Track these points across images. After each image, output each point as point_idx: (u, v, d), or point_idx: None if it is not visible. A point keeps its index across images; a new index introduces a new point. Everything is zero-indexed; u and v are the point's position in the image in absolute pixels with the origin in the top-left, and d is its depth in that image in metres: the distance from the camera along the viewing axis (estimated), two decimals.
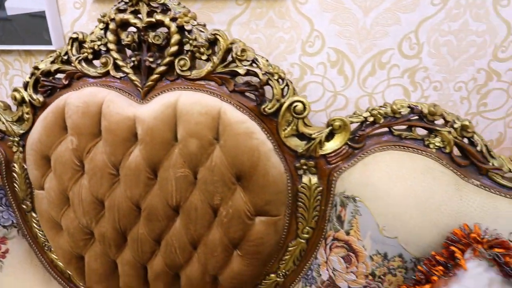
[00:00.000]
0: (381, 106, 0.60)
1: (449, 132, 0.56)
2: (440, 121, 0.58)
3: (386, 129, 0.60)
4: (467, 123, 0.55)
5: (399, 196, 0.53)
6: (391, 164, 0.56)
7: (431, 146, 0.57)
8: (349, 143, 0.61)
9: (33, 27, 0.81)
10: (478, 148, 0.55)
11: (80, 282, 0.77)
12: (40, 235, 0.79)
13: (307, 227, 0.66)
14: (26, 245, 0.79)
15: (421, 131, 0.59)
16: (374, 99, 0.76)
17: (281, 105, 0.61)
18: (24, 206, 0.78)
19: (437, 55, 0.70)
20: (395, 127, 0.60)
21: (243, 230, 0.63)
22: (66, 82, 0.68)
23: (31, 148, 0.68)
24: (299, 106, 0.60)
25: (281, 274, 0.70)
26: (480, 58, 0.70)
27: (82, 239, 0.70)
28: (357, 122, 0.61)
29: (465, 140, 0.57)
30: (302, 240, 0.67)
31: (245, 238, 0.64)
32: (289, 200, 0.64)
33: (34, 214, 0.78)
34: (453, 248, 0.45)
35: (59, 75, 0.70)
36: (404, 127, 0.60)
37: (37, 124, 0.67)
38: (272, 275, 0.71)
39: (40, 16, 0.79)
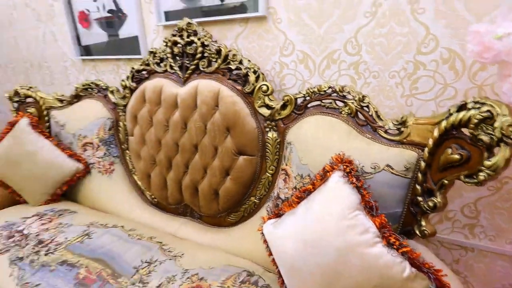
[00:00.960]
0: (313, 87, 0.94)
1: (352, 103, 0.87)
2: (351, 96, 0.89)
3: (318, 102, 0.94)
4: (361, 96, 0.85)
5: (312, 139, 0.87)
6: (314, 122, 0.91)
7: (343, 112, 0.89)
8: (295, 111, 0.98)
9: (132, 44, 1.41)
10: (370, 113, 0.84)
11: (148, 191, 1.32)
12: (129, 164, 1.38)
13: (272, 166, 1.05)
14: (122, 169, 1.40)
15: (341, 103, 0.91)
16: None
17: (254, 87, 1.02)
18: (123, 147, 1.39)
19: (373, 52, 0.98)
20: (324, 101, 0.93)
21: (231, 162, 1.06)
22: (147, 76, 1.24)
23: (129, 112, 1.26)
24: (264, 87, 1.00)
25: (257, 197, 1.11)
26: (407, 53, 0.95)
27: (150, 164, 1.25)
28: (299, 97, 0.97)
29: (366, 109, 0.86)
30: (269, 174, 1.06)
31: (232, 167, 1.07)
32: (260, 146, 1.04)
33: (127, 152, 1.37)
34: (327, 165, 0.78)
35: (143, 72, 1.26)
36: (330, 101, 0.93)
37: (132, 98, 1.25)
38: (252, 198, 1.12)
39: (136, 38, 1.38)
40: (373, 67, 1.00)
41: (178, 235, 1.19)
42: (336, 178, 0.74)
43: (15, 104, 1.44)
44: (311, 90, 0.93)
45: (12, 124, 1.29)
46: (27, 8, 1.72)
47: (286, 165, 0.95)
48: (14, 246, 0.96)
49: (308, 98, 0.95)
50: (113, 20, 1.41)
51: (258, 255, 1.02)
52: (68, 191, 1.39)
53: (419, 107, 1.00)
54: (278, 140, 1.02)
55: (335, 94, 0.90)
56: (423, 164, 0.73)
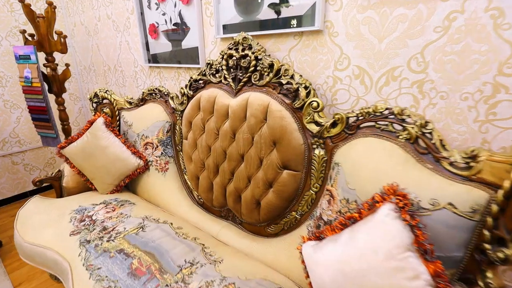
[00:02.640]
0: (367, 107, 0.88)
1: (413, 128, 0.79)
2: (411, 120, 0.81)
3: (372, 123, 0.89)
4: (424, 121, 0.77)
5: (362, 163, 0.83)
6: (366, 144, 0.86)
7: (401, 137, 0.82)
8: (346, 130, 0.94)
9: (192, 54, 1.51)
10: (433, 141, 0.76)
11: (195, 191, 1.42)
12: (182, 165, 1.50)
13: (316, 184, 1.03)
14: (175, 168, 1.52)
15: (398, 127, 0.84)
16: (388, 103, 1.01)
17: (304, 103, 1.00)
18: (177, 148, 1.51)
19: (442, 70, 0.88)
20: (379, 122, 0.87)
21: (275, 175, 1.07)
22: (203, 85, 1.32)
23: (185, 117, 1.36)
24: (315, 103, 0.98)
25: (298, 213, 1.10)
26: (484, 74, 0.83)
27: (199, 167, 1.33)
28: (352, 117, 0.92)
29: (428, 135, 0.78)
30: (313, 192, 1.04)
31: (276, 180, 1.07)
32: (305, 162, 1.03)
33: (181, 153, 1.49)
34: (376, 194, 0.74)
35: (200, 82, 1.35)
36: (386, 123, 0.86)
37: (189, 105, 1.35)
38: (293, 212, 1.11)
39: (196, 49, 1.48)
40: (441, 87, 0.90)
41: (219, 237, 1.25)
42: (386, 211, 0.68)
43: (94, 104, 1.68)
44: (366, 111, 0.88)
45: (91, 123, 1.51)
46: (109, 19, 1.98)
47: (332, 186, 0.92)
48: (84, 229, 1.13)
49: (361, 118, 0.90)
50: (178, 32, 1.53)
51: (294, 272, 1.02)
52: (129, 183, 1.57)
53: (496, 135, 0.86)
54: (325, 158, 0.99)
55: (392, 117, 0.84)
56: (495, 207, 0.63)
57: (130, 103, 1.67)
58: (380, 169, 0.79)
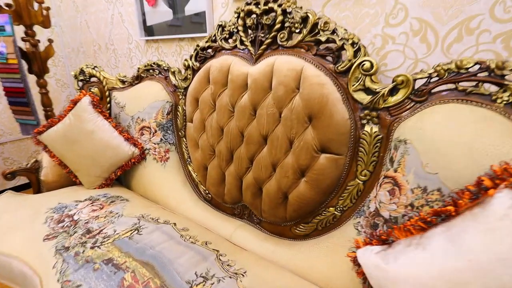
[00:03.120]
0: (447, 63, 0.65)
1: None
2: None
3: (452, 85, 0.66)
4: None
5: (447, 137, 0.59)
6: (449, 113, 0.62)
7: (499, 100, 0.59)
8: (412, 97, 0.70)
9: (197, 21, 1.26)
10: None
11: (203, 184, 1.17)
12: (185, 153, 1.25)
13: (365, 170, 0.79)
14: (177, 158, 1.27)
15: (492, 88, 0.61)
16: None
17: (352, 64, 0.77)
18: (180, 133, 1.26)
19: None
20: (462, 83, 0.64)
21: (310, 160, 0.83)
22: (212, 54, 1.07)
23: (189, 93, 1.11)
24: (367, 64, 0.74)
25: (339, 209, 0.86)
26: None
27: (208, 154, 1.08)
28: (422, 78, 0.69)
29: None
30: (360, 182, 0.81)
31: (310, 167, 0.83)
32: (351, 143, 0.79)
33: (184, 140, 1.24)
34: (483, 178, 0.50)
35: (209, 50, 1.11)
36: (473, 83, 0.63)
37: (194, 79, 1.10)
38: (331, 208, 0.87)
39: (201, 14, 1.24)
40: None
41: (234, 240, 1.01)
42: (509, 202, 0.45)
43: (80, 83, 1.43)
44: (444, 67, 0.65)
45: (74, 102, 1.25)
46: None
47: (396, 171, 0.68)
48: (62, 232, 0.87)
49: (436, 78, 0.67)
50: None
51: (338, 284, 0.78)
52: (122, 176, 1.32)
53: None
54: (379, 136, 0.75)
55: (484, 74, 0.61)
56: None
57: (123, 81, 1.41)
58: (476, 145, 0.56)
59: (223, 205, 1.15)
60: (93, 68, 1.40)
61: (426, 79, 0.68)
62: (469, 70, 0.62)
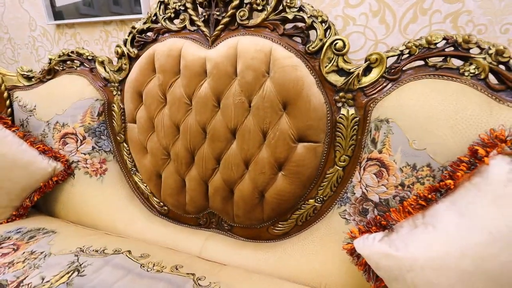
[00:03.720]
0: (416, 39, 0.66)
1: (484, 59, 0.60)
2: (475, 50, 0.61)
3: (421, 61, 0.66)
4: (501, 47, 0.58)
5: (429, 112, 0.59)
6: (425, 89, 0.63)
7: (466, 73, 0.61)
8: (385, 75, 0.69)
9: (128, 0, 1.04)
10: None
11: (156, 196, 0.98)
12: (128, 162, 1.02)
13: (344, 155, 0.75)
14: (118, 168, 1.04)
15: (456, 62, 0.64)
16: None
17: (323, 44, 0.71)
18: (118, 138, 1.02)
19: None
20: (431, 59, 0.65)
21: (288, 151, 0.75)
22: (154, 37, 0.89)
23: (129, 87, 0.90)
24: (339, 43, 0.70)
25: (319, 200, 0.81)
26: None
27: (161, 159, 0.90)
28: (393, 56, 0.68)
29: (502, 66, 0.60)
30: (339, 168, 0.77)
31: (288, 159, 0.76)
32: (328, 129, 0.74)
33: (125, 145, 1.01)
34: (476, 147, 0.50)
35: (149, 33, 0.91)
36: (440, 59, 0.65)
37: (134, 68, 0.89)
38: (311, 200, 0.81)
39: None
40: (479, 18, 0.74)
41: (205, 255, 0.86)
42: (506, 167, 0.46)
43: None
44: (415, 43, 0.65)
45: None
46: None
47: (381, 152, 0.66)
48: None
49: (407, 55, 0.66)
50: None
51: (331, 280, 0.73)
52: (40, 201, 1.00)
53: None
54: (357, 118, 0.73)
55: (450, 49, 0.63)
56: None
57: (28, 78, 1.08)
58: (458, 116, 0.57)
59: (184, 217, 0.98)
60: None
61: (397, 56, 0.68)
62: (437, 45, 0.64)
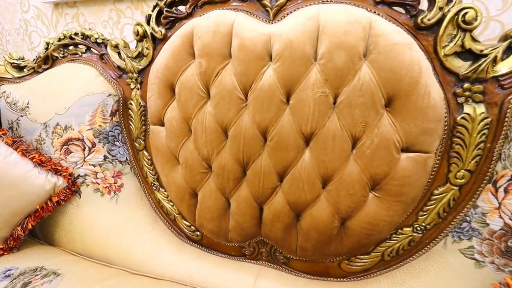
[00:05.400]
0: None
1: None
2: None
3: None
4: None
5: None
6: None
7: None
8: None
9: None
10: None
11: (187, 219, 0.75)
12: (150, 175, 0.80)
13: (462, 170, 0.55)
14: (136, 183, 0.81)
15: None
16: None
17: (444, 15, 0.50)
18: (136, 144, 0.80)
19: None
20: None
21: (388, 165, 0.54)
22: (189, 11, 0.67)
23: (155, 77, 0.68)
24: (471, 13, 0.49)
25: (418, 228, 0.60)
26: None
27: (199, 173, 0.68)
28: None
29: None
30: (454, 187, 0.56)
31: (388, 176, 0.54)
32: (444, 134, 0.54)
33: (145, 153, 0.79)
34: None
35: (180, 7, 0.69)
36: None
37: (162, 52, 0.67)
38: (406, 229, 0.61)
39: None
40: None
41: None
42: None
43: None
44: None
45: None
46: None
47: None
48: None
49: None
50: None
51: None
52: (37, 227, 0.77)
53: None
54: (488, 119, 0.52)
55: None
56: None
57: (19, 67, 0.84)
58: None
59: (223, 245, 0.76)
60: None
61: None
62: None
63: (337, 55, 0.51)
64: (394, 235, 0.62)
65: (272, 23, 0.59)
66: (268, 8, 0.60)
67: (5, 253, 0.70)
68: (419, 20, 0.51)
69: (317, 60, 0.54)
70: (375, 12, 0.53)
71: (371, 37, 0.51)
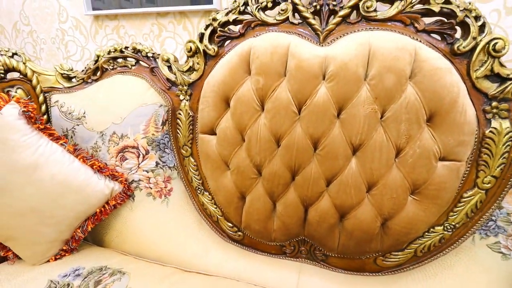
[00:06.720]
0: None
1: None
2: None
3: None
4: None
5: None
6: None
7: None
8: None
9: None
10: None
11: (232, 221, 0.82)
12: (195, 179, 0.86)
13: (489, 176, 0.63)
14: (183, 187, 0.87)
15: None
16: None
17: (477, 44, 0.59)
18: (183, 151, 0.85)
19: None
20: None
21: (428, 172, 0.62)
22: (243, 31, 0.74)
23: (211, 90, 0.74)
24: (500, 43, 0.58)
25: (448, 227, 0.68)
26: None
27: (250, 178, 0.75)
28: None
29: None
30: (481, 191, 0.64)
31: (427, 181, 0.62)
32: (474, 145, 0.62)
33: (191, 159, 0.85)
34: None
35: (231, 27, 0.76)
36: None
37: (219, 69, 0.73)
38: (438, 227, 0.69)
39: None
40: None
41: None
42: None
43: None
44: None
45: None
46: None
47: None
48: None
49: None
50: None
51: None
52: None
53: None
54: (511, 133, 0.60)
55: None
56: None
57: (69, 77, 0.89)
58: None
59: (263, 244, 0.83)
60: (12, 56, 0.82)
61: None
62: None
63: (387, 77, 0.59)
64: (426, 233, 0.70)
65: (322, 45, 0.67)
66: (319, 32, 0.67)
67: (66, 254, 0.75)
68: (455, 47, 0.60)
69: (367, 80, 0.62)
70: (417, 39, 0.61)
71: (416, 62, 0.59)
